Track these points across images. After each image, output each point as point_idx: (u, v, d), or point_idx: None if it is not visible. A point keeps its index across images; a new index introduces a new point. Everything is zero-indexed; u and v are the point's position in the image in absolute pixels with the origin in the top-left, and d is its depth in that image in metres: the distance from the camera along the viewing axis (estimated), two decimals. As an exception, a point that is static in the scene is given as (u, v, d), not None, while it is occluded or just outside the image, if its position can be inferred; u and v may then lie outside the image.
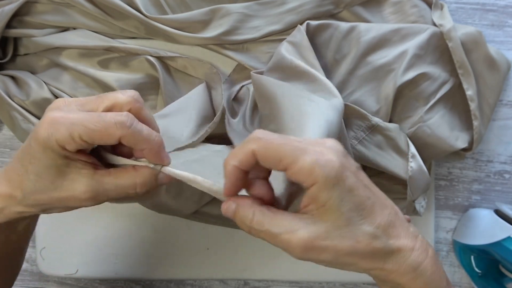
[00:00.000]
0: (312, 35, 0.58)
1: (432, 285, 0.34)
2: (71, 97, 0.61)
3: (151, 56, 0.60)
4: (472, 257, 0.64)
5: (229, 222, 0.61)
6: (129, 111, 0.34)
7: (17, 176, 0.34)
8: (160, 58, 0.61)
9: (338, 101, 0.49)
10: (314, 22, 0.58)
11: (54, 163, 0.33)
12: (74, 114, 0.32)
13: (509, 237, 0.57)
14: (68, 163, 0.33)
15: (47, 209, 0.36)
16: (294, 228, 0.30)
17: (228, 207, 0.32)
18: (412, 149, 0.56)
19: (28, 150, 0.33)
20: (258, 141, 0.30)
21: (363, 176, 0.34)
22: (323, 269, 0.63)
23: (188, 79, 0.62)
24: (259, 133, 0.30)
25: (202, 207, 0.60)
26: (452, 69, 0.59)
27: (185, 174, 0.35)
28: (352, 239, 0.31)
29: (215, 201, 0.60)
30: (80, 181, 0.34)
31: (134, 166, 0.35)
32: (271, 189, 0.33)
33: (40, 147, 0.32)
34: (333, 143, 0.32)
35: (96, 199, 0.34)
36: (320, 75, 0.52)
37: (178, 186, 0.52)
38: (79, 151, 0.34)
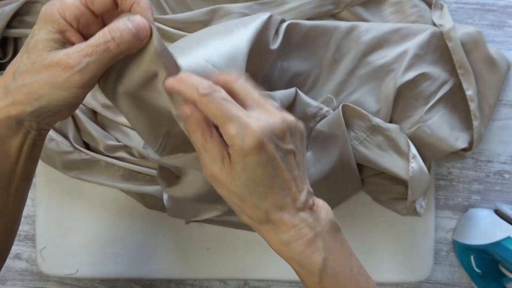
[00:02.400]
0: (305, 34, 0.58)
1: (301, 261, 0.39)
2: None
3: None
4: (472, 257, 0.64)
5: (229, 223, 0.62)
6: None
7: (11, 66, 0.34)
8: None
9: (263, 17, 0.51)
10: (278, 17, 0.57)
11: (50, 37, 0.32)
12: None
13: (509, 237, 0.57)
14: (62, 41, 0.33)
15: (36, 100, 0.33)
16: (214, 157, 0.34)
17: (184, 109, 0.34)
18: (413, 149, 0.56)
19: (29, 39, 0.34)
20: (205, 95, 0.33)
21: (287, 158, 0.35)
22: (323, 269, 0.63)
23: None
24: (211, 88, 0.33)
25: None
26: (452, 69, 0.59)
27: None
28: (241, 199, 0.35)
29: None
30: (68, 52, 0.32)
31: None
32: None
33: (41, 21, 0.33)
34: (276, 119, 0.34)
35: (85, 70, 0.32)
36: None
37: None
38: (75, 35, 0.34)
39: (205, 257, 0.64)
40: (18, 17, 0.61)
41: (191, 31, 0.60)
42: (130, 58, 0.33)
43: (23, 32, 0.61)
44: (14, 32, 0.61)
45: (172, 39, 0.60)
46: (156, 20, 0.59)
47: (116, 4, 0.33)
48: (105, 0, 0.33)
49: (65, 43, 0.33)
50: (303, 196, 0.37)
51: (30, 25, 0.61)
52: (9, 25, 0.60)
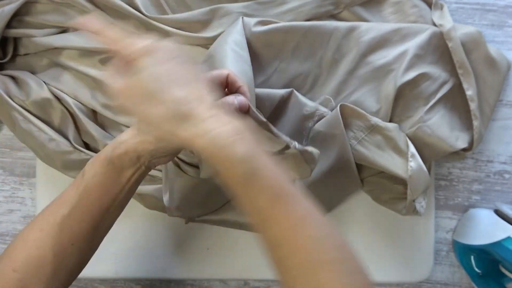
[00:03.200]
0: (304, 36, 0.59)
1: (218, 144, 0.35)
2: (71, 97, 0.61)
3: None
4: (472, 257, 0.64)
5: (229, 223, 0.62)
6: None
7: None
8: None
9: None
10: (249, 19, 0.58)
11: None
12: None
13: (509, 237, 0.57)
14: None
15: (159, 142, 0.41)
16: (117, 72, 0.39)
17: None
18: (412, 148, 0.56)
19: None
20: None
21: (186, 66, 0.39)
22: (323, 269, 0.63)
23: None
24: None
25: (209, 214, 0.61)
26: (452, 69, 0.59)
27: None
28: (151, 98, 0.37)
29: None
30: None
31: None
32: None
33: None
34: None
35: None
36: None
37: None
38: None
39: (205, 257, 0.64)
40: (18, 17, 0.61)
41: (191, 31, 0.60)
42: None
43: (22, 32, 0.61)
44: (14, 32, 0.61)
45: (173, 39, 0.60)
46: (156, 20, 0.59)
47: (226, 86, 0.45)
48: (220, 82, 0.44)
49: None
50: (212, 98, 0.39)
51: (30, 25, 0.61)
52: (9, 25, 0.60)
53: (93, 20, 0.41)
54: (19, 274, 0.43)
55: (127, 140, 0.43)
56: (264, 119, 0.45)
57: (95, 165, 0.44)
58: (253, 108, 0.45)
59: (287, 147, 0.45)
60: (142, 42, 0.38)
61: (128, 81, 0.38)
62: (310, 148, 0.47)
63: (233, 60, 0.52)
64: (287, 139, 0.45)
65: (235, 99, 0.43)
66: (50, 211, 0.45)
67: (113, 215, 0.47)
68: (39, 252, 0.43)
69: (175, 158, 0.58)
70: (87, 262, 0.48)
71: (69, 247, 0.44)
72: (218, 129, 0.36)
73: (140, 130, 0.43)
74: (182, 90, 0.37)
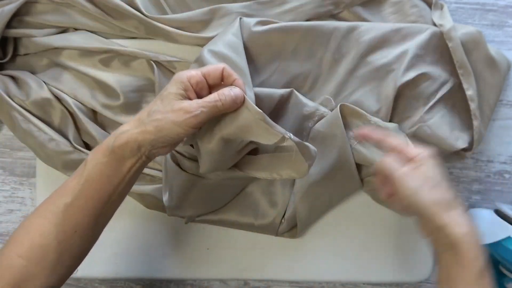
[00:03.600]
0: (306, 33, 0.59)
1: (472, 237, 0.43)
2: (71, 97, 0.61)
3: (151, 60, 0.60)
4: (472, 257, 0.64)
5: (228, 223, 0.62)
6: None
7: (147, 108, 0.46)
8: (159, 62, 0.61)
9: None
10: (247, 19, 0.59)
11: (178, 92, 0.45)
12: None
13: (509, 237, 0.57)
14: (185, 95, 0.46)
15: (159, 131, 0.45)
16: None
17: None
18: (412, 148, 0.56)
19: (163, 91, 0.47)
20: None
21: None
22: (323, 269, 0.63)
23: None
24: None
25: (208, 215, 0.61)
26: (452, 69, 0.59)
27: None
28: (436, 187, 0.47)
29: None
30: (190, 103, 0.45)
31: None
32: None
33: (174, 81, 0.46)
34: None
35: (198, 116, 0.45)
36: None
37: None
38: (193, 94, 0.47)
39: (205, 257, 0.64)
40: (18, 17, 0.61)
41: (191, 30, 0.60)
42: (229, 115, 0.47)
43: (22, 32, 0.61)
44: (14, 32, 0.61)
45: (172, 39, 0.60)
46: (156, 20, 0.59)
47: (222, 79, 0.48)
48: (216, 76, 0.47)
49: (186, 97, 0.46)
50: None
51: (30, 25, 0.61)
52: (9, 25, 0.60)
53: (374, 131, 0.52)
54: (24, 260, 0.44)
55: (128, 130, 0.45)
56: (259, 110, 0.46)
57: (97, 155, 0.46)
58: (248, 100, 0.47)
59: (283, 139, 0.46)
60: (424, 150, 0.48)
61: (415, 169, 0.46)
62: (306, 143, 0.47)
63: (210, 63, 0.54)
64: (282, 130, 0.46)
65: (231, 91, 0.46)
66: (53, 200, 0.47)
67: (114, 205, 0.49)
68: (43, 240, 0.44)
69: (176, 155, 0.58)
70: (89, 249, 0.50)
71: (73, 235, 0.46)
72: (470, 226, 0.43)
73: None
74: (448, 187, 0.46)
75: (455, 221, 0.43)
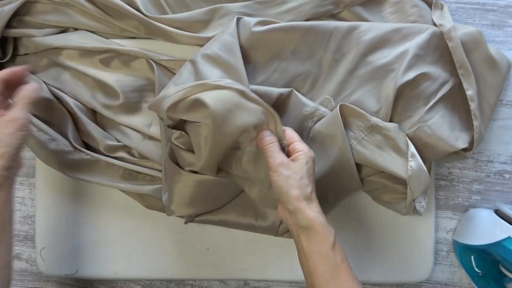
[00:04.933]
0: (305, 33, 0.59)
1: (323, 222, 0.49)
2: (71, 97, 0.61)
3: (151, 60, 0.60)
4: (472, 257, 0.64)
5: (229, 223, 0.62)
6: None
7: None
8: (159, 62, 0.61)
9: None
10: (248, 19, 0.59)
11: None
12: None
13: (509, 237, 0.57)
14: None
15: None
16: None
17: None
18: (412, 148, 0.56)
19: None
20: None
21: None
22: (323, 269, 0.63)
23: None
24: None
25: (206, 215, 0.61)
26: (452, 69, 0.59)
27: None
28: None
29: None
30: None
31: None
32: None
33: None
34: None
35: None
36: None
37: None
38: None
39: (205, 257, 0.64)
40: (18, 17, 0.61)
41: (191, 30, 0.60)
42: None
43: (22, 32, 0.61)
44: (14, 32, 0.61)
45: (172, 38, 0.60)
46: (156, 20, 0.59)
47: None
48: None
49: None
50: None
51: (30, 25, 0.61)
52: (9, 25, 0.60)
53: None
54: None
55: None
56: (241, 87, 0.50)
57: None
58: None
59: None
60: (306, 148, 0.51)
61: (288, 161, 0.50)
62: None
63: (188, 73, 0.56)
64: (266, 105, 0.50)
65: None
66: None
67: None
68: None
69: (174, 149, 0.57)
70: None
71: None
72: (321, 211, 0.49)
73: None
74: (312, 182, 0.51)
75: (311, 207, 0.49)
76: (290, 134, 0.52)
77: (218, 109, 0.49)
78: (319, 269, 0.47)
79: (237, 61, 0.55)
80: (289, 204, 0.48)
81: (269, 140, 0.50)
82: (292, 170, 0.49)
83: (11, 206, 0.51)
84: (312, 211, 0.48)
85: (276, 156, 0.49)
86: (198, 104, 0.50)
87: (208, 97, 0.49)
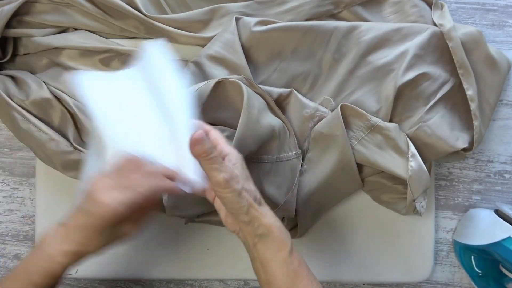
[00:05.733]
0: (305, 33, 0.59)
1: (280, 227, 0.47)
2: (71, 97, 0.61)
3: None
4: (472, 257, 0.64)
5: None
6: None
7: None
8: None
9: None
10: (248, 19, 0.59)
11: None
12: None
13: (509, 237, 0.57)
14: None
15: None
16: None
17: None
18: (412, 148, 0.56)
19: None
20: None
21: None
22: (323, 269, 0.63)
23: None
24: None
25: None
26: (453, 69, 0.59)
27: None
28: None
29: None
30: None
31: None
32: None
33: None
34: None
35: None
36: None
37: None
38: None
39: (205, 257, 0.64)
40: (18, 17, 0.61)
41: (191, 30, 0.60)
42: None
43: (22, 32, 0.61)
44: (14, 32, 0.61)
45: (172, 38, 0.60)
46: (156, 20, 0.59)
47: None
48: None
49: None
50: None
51: (30, 25, 0.61)
52: (9, 24, 0.60)
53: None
54: None
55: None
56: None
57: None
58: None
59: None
60: (234, 150, 0.48)
61: (231, 170, 0.46)
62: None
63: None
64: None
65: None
66: None
67: None
68: None
69: None
70: None
71: None
72: (275, 217, 0.47)
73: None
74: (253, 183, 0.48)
75: (265, 213, 0.46)
76: (215, 135, 0.48)
77: None
78: (278, 277, 0.46)
79: (240, 59, 0.55)
80: (245, 215, 0.46)
81: (207, 150, 0.44)
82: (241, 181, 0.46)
83: None
84: (268, 217, 0.46)
85: (222, 169, 0.45)
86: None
87: None
